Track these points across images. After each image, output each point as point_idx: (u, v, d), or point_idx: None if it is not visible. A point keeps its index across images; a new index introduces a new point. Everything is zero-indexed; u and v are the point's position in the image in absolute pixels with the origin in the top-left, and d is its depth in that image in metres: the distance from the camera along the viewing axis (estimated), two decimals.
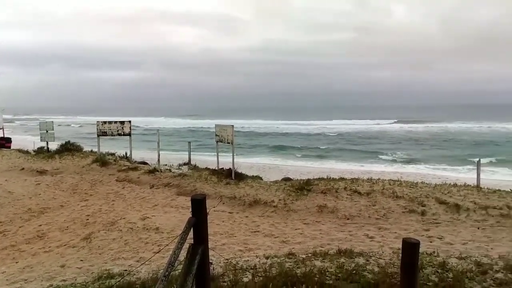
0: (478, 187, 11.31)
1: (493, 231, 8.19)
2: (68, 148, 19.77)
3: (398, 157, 35.38)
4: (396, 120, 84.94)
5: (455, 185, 11.66)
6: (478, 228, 8.37)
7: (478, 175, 11.97)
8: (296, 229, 9.06)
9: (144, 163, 17.93)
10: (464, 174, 24.10)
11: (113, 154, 18.88)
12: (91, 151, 19.74)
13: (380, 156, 36.17)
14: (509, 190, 10.70)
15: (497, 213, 8.95)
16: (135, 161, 17.89)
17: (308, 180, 12.74)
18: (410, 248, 3.36)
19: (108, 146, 21.43)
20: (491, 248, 7.14)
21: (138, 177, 14.46)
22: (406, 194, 10.40)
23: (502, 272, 5.75)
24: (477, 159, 12.90)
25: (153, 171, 14.99)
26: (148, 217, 9.69)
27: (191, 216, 4.40)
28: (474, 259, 6.32)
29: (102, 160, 16.73)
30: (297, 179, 13.90)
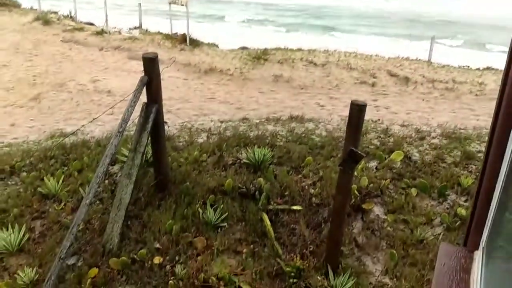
0: (429, 61, 11.67)
1: (436, 102, 8.73)
2: (4, 3, 17.81)
3: (360, 32, 35.07)
4: None
5: (407, 59, 11.95)
6: (423, 100, 8.87)
7: (431, 50, 12.25)
8: (251, 97, 9.19)
9: (91, 24, 16.68)
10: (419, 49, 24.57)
11: (56, 13, 17.30)
12: (31, 8, 17.95)
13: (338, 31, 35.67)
14: (457, 66, 11.17)
15: (442, 86, 9.44)
16: (81, 21, 16.58)
17: (265, 49, 12.54)
18: (357, 109, 3.52)
19: (49, 5, 19.51)
20: (432, 118, 7.69)
21: (85, 39, 13.58)
22: (360, 66, 10.60)
23: (438, 138, 6.29)
24: (432, 35, 13.07)
25: (101, 32, 14.05)
26: (99, 80, 9.39)
27: (143, 75, 4.29)
28: (414, 127, 6.82)
29: (44, 19, 15.34)
30: (255, 48, 13.64)
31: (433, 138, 6.29)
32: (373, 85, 9.67)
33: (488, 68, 11.15)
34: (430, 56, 12.07)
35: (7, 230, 4.17)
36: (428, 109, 8.25)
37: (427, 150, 5.89)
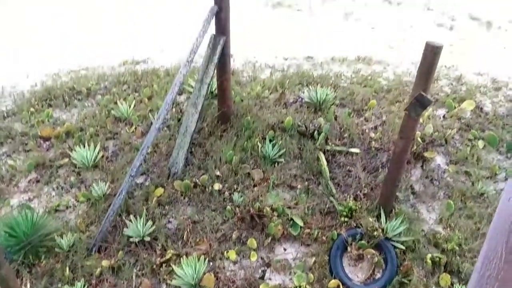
0: None
1: None
2: None
3: None
4: None
5: None
6: (504, 48, 8.13)
7: None
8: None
9: None
10: None
11: None
12: None
13: None
14: None
15: None
16: None
17: None
18: (431, 51, 3.34)
19: None
20: None
21: None
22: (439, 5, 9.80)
23: None
24: None
25: None
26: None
27: (213, 5, 4.30)
28: (491, 76, 6.36)
29: None
30: None
31: (510, 89, 5.87)
32: (451, 28, 8.96)
33: None
34: None
35: (84, 147, 4.60)
36: (510, 58, 7.58)
37: (502, 102, 5.54)
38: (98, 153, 4.61)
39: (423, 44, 3.39)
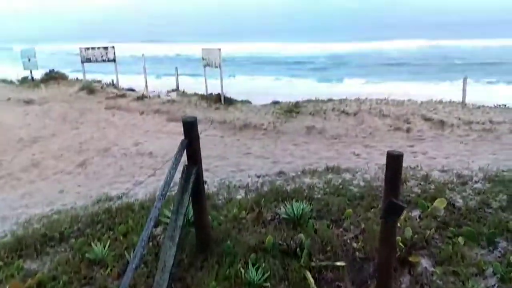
0: (463, 103, 11.51)
1: (475, 145, 8.52)
2: (53, 77, 19.31)
3: (390, 77, 35.16)
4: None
5: (440, 102, 11.84)
6: (461, 143, 8.69)
7: (464, 90, 12.11)
8: (285, 150, 9.31)
9: (132, 90, 17.71)
10: (451, 91, 24.26)
11: (99, 82, 18.55)
12: (77, 79, 19.34)
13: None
14: (493, 106, 10.94)
15: (480, 127, 9.24)
16: (122, 88, 17.65)
17: (297, 102, 12.82)
18: (394, 159, 3.53)
19: (95, 72, 20.98)
20: (472, 161, 7.48)
21: (127, 104, 14.40)
22: (393, 112, 10.60)
23: (481, 183, 6.10)
24: (464, 76, 12.96)
25: (141, 97, 14.89)
26: (140, 143, 9.85)
27: (183, 138, 4.51)
28: (455, 171, 6.66)
29: (89, 88, 16.47)
30: (286, 102, 13.97)
31: (476, 182, 6.12)
32: (407, 130, 9.60)
33: None
34: (464, 97, 11.92)
35: None
36: (467, 152, 8.06)
37: (471, 195, 5.72)
38: None
39: (385, 151, 3.59)
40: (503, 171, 6.38)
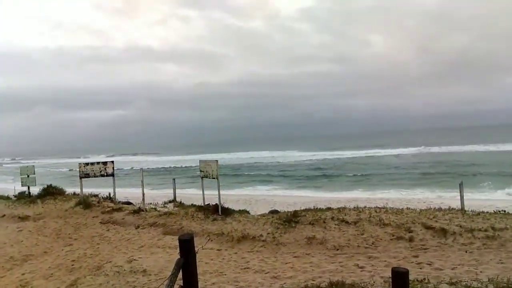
0: (462, 210, 11.45)
1: (480, 253, 8.27)
2: (50, 192, 19.34)
3: (386, 184, 35.57)
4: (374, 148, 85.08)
5: (440, 209, 11.79)
6: (466, 252, 8.43)
7: (462, 197, 12.15)
8: (286, 263, 8.97)
9: (129, 203, 17.65)
10: (447, 197, 24.40)
11: (96, 196, 18.56)
12: (74, 193, 19.38)
13: (361, 185, 36.37)
14: (493, 212, 10.87)
15: (482, 235, 9.06)
16: (119, 202, 17.59)
17: (296, 211, 12.71)
18: (399, 277, 3.39)
19: (93, 186, 21.12)
20: (480, 272, 7.19)
21: (123, 218, 14.20)
22: (393, 221, 10.46)
23: None
24: (460, 182, 13.12)
25: (138, 211, 14.76)
26: (134, 259, 9.48)
27: (179, 257, 4.37)
28: (464, 283, 6.36)
29: (86, 203, 16.40)
30: (284, 211, 13.86)
31: None
32: (410, 240, 9.37)
33: None
34: (463, 203, 11.91)
35: None
36: (473, 262, 7.77)
37: None
38: None
39: (390, 262, 3.45)
40: None
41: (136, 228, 13.05)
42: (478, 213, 10.82)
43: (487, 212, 11.00)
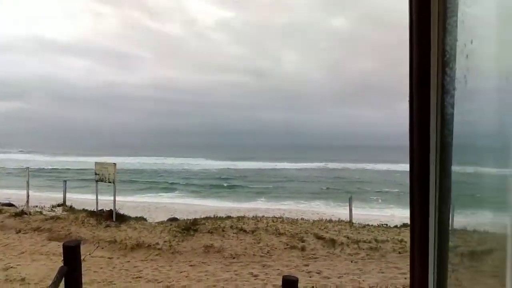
0: (350, 222, 12.34)
1: (364, 263, 8.95)
2: None
3: (285, 196, 36.92)
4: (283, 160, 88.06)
5: (330, 221, 12.56)
6: (351, 261, 9.07)
7: (350, 210, 13.09)
8: (181, 272, 8.79)
9: (10, 204, 15.92)
10: (339, 210, 26.12)
11: None
12: None
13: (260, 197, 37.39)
14: (376, 225, 11.88)
15: (367, 246, 9.83)
16: None
17: (195, 219, 12.59)
18: (289, 285, 3.50)
19: None
20: (363, 280, 7.77)
21: (2, 221, 12.76)
22: (288, 230, 10.88)
23: None
24: (349, 196, 14.14)
25: (20, 214, 13.37)
26: (12, 267, 8.54)
27: (62, 265, 4.02)
28: None
29: None
30: (184, 219, 13.64)
31: None
32: (302, 249, 9.82)
33: (405, 225, 12.00)
34: (351, 216, 12.84)
35: None
36: (358, 271, 8.38)
37: None
38: None
39: (282, 271, 3.55)
40: None
41: (17, 233, 11.79)
42: (364, 226, 11.74)
43: (371, 225, 11.99)
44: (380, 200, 32.45)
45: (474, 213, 1.06)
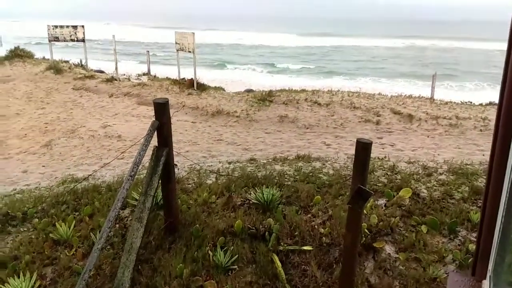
0: (431, 99, 11.84)
1: (441, 139, 8.79)
2: (19, 54, 18.52)
3: (359, 73, 35.71)
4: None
5: (410, 96, 12.13)
6: (428, 137, 8.94)
7: (433, 88, 12.45)
8: (257, 138, 9.32)
9: (101, 71, 17.25)
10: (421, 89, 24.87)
11: (67, 62, 17.94)
12: (44, 58, 18.64)
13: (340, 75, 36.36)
14: (460, 102, 11.30)
15: (446, 122, 9.53)
16: (91, 69, 17.15)
17: (270, 91, 12.82)
18: (362, 147, 3.58)
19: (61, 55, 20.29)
20: (438, 154, 7.72)
21: (96, 86, 14.00)
22: (363, 105, 10.77)
23: (445, 174, 6.29)
24: (434, 73, 13.32)
25: (111, 80, 14.51)
26: (109, 125, 9.61)
27: (154, 120, 4.42)
28: (421, 163, 6.84)
29: (56, 68, 15.90)
30: (260, 91, 13.96)
31: (440, 174, 6.30)
32: (377, 123, 9.78)
33: (490, 103, 11.27)
34: (433, 93, 12.26)
35: (19, 278, 4.18)
36: (433, 146, 8.30)
37: (435, 186, 5.89)
38: (34, 282, 4.18)
39: (354, 142, 3.64)
40: (466, 164, 6.60)
41: (109, 97, 12.97)
42: (446, 103, 11.23)
43: (454, 102, 11.42)
44: (474, 83, 29.70)
45: None
